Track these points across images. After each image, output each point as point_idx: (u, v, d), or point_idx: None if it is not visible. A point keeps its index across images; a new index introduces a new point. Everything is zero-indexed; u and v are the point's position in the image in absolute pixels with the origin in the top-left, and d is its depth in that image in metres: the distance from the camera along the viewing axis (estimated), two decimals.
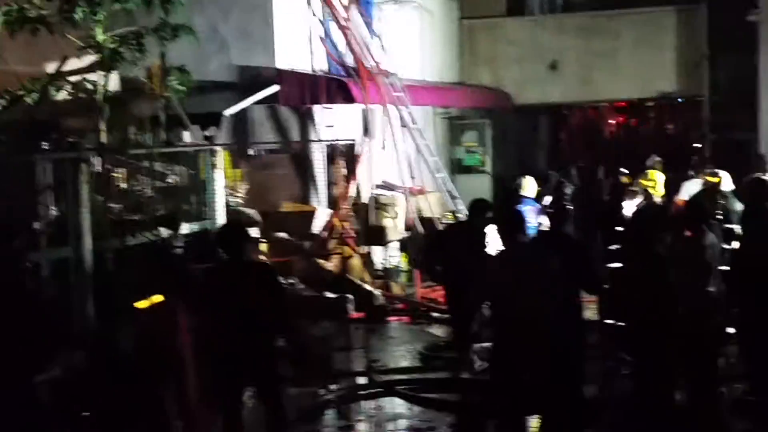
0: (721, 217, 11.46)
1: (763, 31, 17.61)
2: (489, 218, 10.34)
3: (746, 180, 11.39)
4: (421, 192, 17.01)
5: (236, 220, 10.93)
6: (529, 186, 13.28)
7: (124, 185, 12.11)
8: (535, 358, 7.57)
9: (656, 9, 20.86)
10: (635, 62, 20.84)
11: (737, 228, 10.78)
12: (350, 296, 13.88)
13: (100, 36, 12.77)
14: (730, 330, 9.07)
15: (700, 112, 20.41)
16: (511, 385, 7.90)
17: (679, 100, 22.05)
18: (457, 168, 20.36)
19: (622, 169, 15.63)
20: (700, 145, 20.03)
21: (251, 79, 15.05)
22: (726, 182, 13.29)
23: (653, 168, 14.73)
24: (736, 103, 19.00)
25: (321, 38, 16.41)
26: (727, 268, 9.08)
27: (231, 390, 8.16)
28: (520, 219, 8.18)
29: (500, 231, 8.21)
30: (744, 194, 11.12)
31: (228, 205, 13.66)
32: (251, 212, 13.66)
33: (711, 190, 12.69)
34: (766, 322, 8.35)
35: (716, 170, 14.24)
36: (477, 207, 10.79)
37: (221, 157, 13.48)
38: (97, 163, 11.16)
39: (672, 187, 13.62)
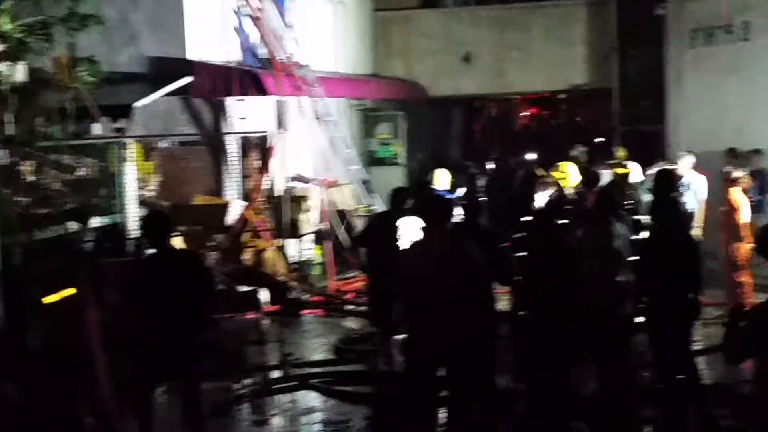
0: (631, 208, 11.68)
1: (670, 25, 17.92)
2: (409, 208, 10.42)
3: (654, 171, 11.65)
4: (335, 184, 17.04)
5: (158, 210, 10.73)
6: (440, 178, 13.37)
7: (31, 178, 11.92)
8: (447, 349, 7.62)
9: (567, 2, 21.15)
10: (547, 55, 21.10)
11: (646, 218, 11.00)
12: (264, 289, 13.84)
13: (6, 25, 12.54)
14: (640, 319, 9.23)
15: (610, 104, 20.69)
16: (424, 377, 7.95)
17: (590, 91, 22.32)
18: (372, 160, 20.39)
19: (532, 160, 15.81)
20: (604, 138, 20.33)
21: (162, 71, 14.87)
22: (635, 173, 13.55)
23: (578, 158, 14.96)
24: (644, 95, 19.34)
25: (234, 29, 16.31)
26: (636, 258, 9.26)
27: (146, 383, 8.09)
28: (444, 207, 8.18)
29: (423, 219, 8.21)
30: (652, 185, 11.37)
31: (140, 199, 13.54)
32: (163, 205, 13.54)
33: (620, 182, 12.92)
34: (673, 312, 8.50)
35: (625, 161, 14.53)
36: (397, 196, 10.85)
37: (132, 150, 13.35)
38: (3, 155, 11.00)
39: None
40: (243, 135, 16.14)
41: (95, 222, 11.29)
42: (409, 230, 10.04)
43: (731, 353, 6.29)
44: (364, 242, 11.19)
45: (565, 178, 13.20)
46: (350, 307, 14.58)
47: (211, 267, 14.00)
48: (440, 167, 14.32)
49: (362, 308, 14.32)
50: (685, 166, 14.67)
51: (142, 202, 13.69)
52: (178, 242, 14.41)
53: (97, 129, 13.49)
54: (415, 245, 8.46)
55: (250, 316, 13.49)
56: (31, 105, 12.72)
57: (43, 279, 9.53)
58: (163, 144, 15.69)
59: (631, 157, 14.95)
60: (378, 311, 10.82)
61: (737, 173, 13.88)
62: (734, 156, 15.37)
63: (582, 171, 13.14)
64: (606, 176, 13.52)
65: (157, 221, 8.56)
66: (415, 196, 10.85)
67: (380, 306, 10.49)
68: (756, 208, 14.11)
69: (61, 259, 9.92)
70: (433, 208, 8.16)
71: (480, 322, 7.74)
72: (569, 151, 15.97)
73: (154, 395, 8.21)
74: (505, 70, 21.40)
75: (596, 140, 18.71)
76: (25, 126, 12.59)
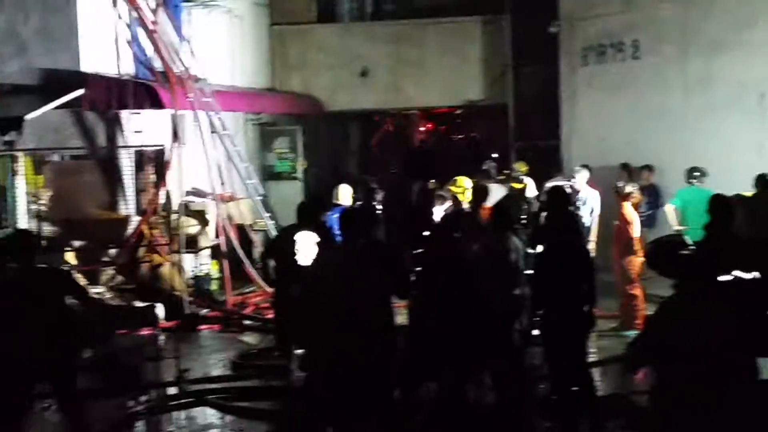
0: (526, 222, 11.85)
1: (563, 43, 18.25)
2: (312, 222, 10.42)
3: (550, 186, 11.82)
4: (232, 199, 16.93)
5: (23, 229, 10.45)
6: (342, 194, 13.37)
7: None
8: (347, 363, 7.61)
9: (463, 19, 21.29)
10: (443, 70, 21.27)
11: (540, 232, 11.15)
12: (160, 304, 13.68)
13: None
14: (535, 332, 9.35)
15: (506, 120, 20.91)
16: (323, 391, 7.94)
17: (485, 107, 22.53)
18: (269, 175, 20.33)
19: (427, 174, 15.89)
20: (500, 154, 20.53)
21: (54, 83, 14.63)
22: (530, 189, 13.77)
23: (490, 172, 15.06)
24: (539, 111, 19.60)
25: (128, 41, 16.12)
26: (532, 271, 9.38)
27: (16, 401, 7.94)
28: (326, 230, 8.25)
29: (343, 231, 8.21)
30: (546, 200, 11.53)
31: (31, 213, 13.29)
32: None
33: (516, 196, 13.09)
34: (568, 324, 8.62)
35: (521, 177, 14.75)
36: (302, 211, 10.79)
37: (22, 163, 13.10)
38: None
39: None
40: (138, 148, 15.94)
41: None
42: (306, 245, 10.05)
43: (629, 362, 6.46)
44: (270, 256, 11.11)
45: (462, 193, 13.31)
46: (248, 322, 14.48)
47: (94, 286, 13.85)
48: (338, 181, 14.34)
49: (260, 323, 14.36)
50: (580, 180, 14.96)
51: (35, 216, 13.45)
52: (71, 257, 14.22)
53: None
54: (319, 259, 8.48)
55: (146, 331, 13.30)
56: None
57: None
58: (55, 157, 15.42)
59: (527, 172, 15.18)
60: (282, 325, 10.78)
61: (629, 188, 14.21)
62: (627, 171, 15.74)
63: (473, 186, 13.23)
64: (499, 191, 13.68)
65: (19, 239, 8.46)
66: (318, 211, 10.85)
67: (284, 320, 10.47)
68: (647, 222, 14.45)
69: None
70: (354, 220, 8.16)
71: (379, 335, 7.76)
72: (482, 166, 16.07)
73: (26, 412, 8.07)
74: (401, 85, 21.52)
75: (493, 155, 18.86)
76: None
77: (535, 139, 19.33)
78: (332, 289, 7.67)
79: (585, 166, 15.31)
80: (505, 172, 15.50)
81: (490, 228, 9.88)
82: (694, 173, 13.62)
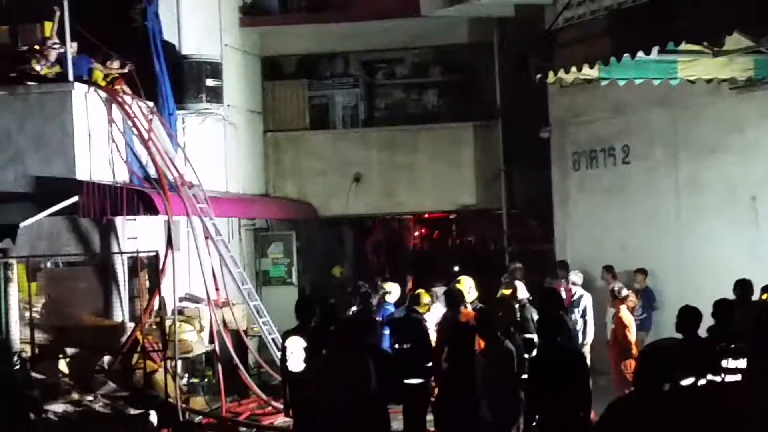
0: (520, 326, 11.81)
1: (554, 148, 18.43)
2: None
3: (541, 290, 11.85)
4: (226, 304, 16.89)
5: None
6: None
7: None
8: None
9: (454, 125, 21.45)
10: (436, 175, 21.37)
11: (535, 337, 11.14)
12: (153, 412, 13.55)
13: None
14: None
15: (499, 224, 20.98)
16: None
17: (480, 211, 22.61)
18: (264, 280, 20.33)
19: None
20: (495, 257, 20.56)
21: (49, 190, 14.71)
22: (521, 291, 13.74)
23: (515, 273, 15.05)
24: (532, 215, 19.70)
25: (123, 149, 16.25)
26: (527, 375, 9.35)
27: None
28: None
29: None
30: (539, 303, 11.55)
31: (25, 320, 13.26)
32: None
33: (507, 299, 13.05)
34: (564, 429, 8.56)
35: (513, 278, 14.75)
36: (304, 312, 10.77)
37: (16, 270, 13.11)
38: None
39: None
40: (132, 254, 15.97)
41: None
42: (296, 352, 10.01)
43: None
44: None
45: (466, 292, 13.21)
46: (244, 429, 14.33)
47: (87, 394, 13.76)
48: (332, 289, 14.44)
49: (255, 430, 14.20)
50: (575, 282, 15.03)
51: (27, 323, 13.41)
52: (63, 365, 14.13)
53: None
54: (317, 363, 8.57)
55: None
56: None
57: None
58: (49, 264, 15.44)
59: (520, 276, 15.18)
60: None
61: (625, 291, 14.27)
62: (611, 273, 15.77)
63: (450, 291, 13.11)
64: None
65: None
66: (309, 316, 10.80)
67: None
68: (642, 325, 14.45)
69: None
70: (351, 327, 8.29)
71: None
72: (509, 269, 16.11)
73: None
74: (395, 190, 21.61)
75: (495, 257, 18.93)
76: None
77: (529, 243, 19.37)
78: (329, 392, 7.74)
79: (579, 270, 15.43)
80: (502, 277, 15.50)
81: (478, 332, 9.84)
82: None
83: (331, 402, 8.17)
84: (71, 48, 15.42)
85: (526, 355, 10.30)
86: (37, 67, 15.32)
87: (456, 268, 17.94)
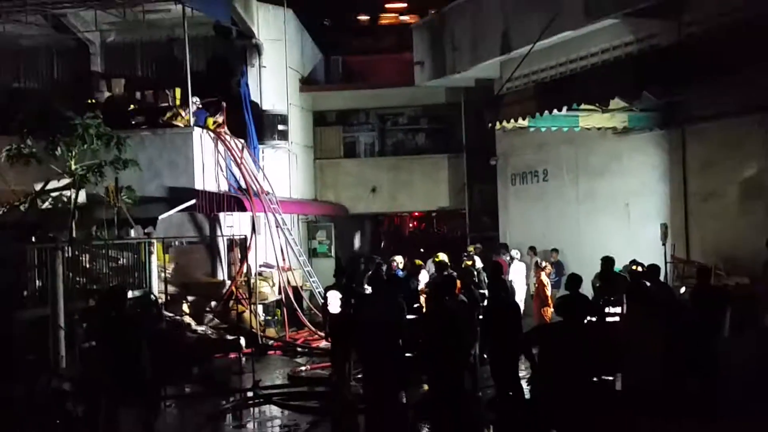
0: (477, 285, 11.81)
1: (499, 171, 18.34)
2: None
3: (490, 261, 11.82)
4: (289, 269, 16.96)
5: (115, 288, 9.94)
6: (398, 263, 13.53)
7: (88, 265, 11.72)
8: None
9: (435, 156, 21.25)
10: (423, 187, 21.29)
11: (486, 291, 11.16)
12: (242, 337, 13.62)
13: (73, 166, 12.44)
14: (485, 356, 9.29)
15: (464, 220, 20.96)
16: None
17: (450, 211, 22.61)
18: (313, 254, 20.35)
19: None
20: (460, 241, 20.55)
21: (177, 196, 14.84)
22: (477, 263, 13.72)
23: (476, 251, 15.13)
24: (485, 214, 19.66)
25: (224, 170, 16.35)
26: (481, 317, 9.35)
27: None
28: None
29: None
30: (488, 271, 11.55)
31: (161, 278, 13.33)
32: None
33: (468, 268, 13.02)
34: (505, 352, 8.55)
35: (473, 255, 14.74)
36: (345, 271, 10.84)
37: (156, 247, 13.21)
38: (69, 250, 10.79)
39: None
40: (229, 237, 16.06)
41: (131, 294, 11.01)
42: (334, 300, 10.04)
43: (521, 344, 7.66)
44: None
45: (443, 262, 13.10)
46: (299, 349, 14.39)
47: (201, 326, 13.80)
48: (356, 259, 14.44)
49: (306, 350, 14.22)
50: (512, 257, 15.03)
51: (163, 280, 13.49)
52: (185, 307, 14.21)
53: (132, 233, 13.37)
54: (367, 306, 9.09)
55: (233, 355, 13.23)
56: (88, 218, 12.57)
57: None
58: (176, 243, 15.53)
59: (477, 252, 15.18)
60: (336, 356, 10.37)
61: (544, 263, 14.29)
62: (534, 251, 15.79)
63: (434, 261, 13.08)
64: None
65: (113, 295, 8.29)
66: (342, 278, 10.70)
67: (338, 353, 10.17)
68: (554, 285, 14.44)
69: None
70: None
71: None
72: (468, 246, 16.22)
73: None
74: (397, 196, 21.51)
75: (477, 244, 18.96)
76: (84, 231, 12.39)
77: (484, 232, 19.35)
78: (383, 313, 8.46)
79: (515, 249, 15.44)
80: (464, 253, 15.47)
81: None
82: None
83: (383, 318, 8.47)
84: (193, 105, 15.52)
85: (480, 304, 10.31)
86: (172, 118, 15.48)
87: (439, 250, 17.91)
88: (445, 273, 11.18)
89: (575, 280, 8.46)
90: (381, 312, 8.66)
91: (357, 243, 22.86)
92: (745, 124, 11.96)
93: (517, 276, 14.56)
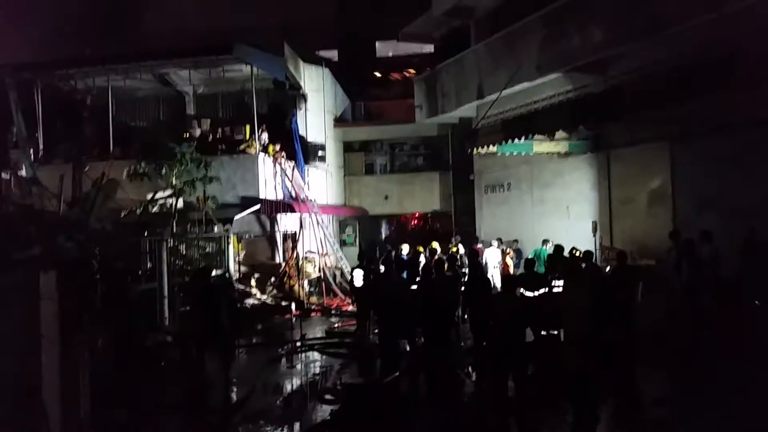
0: (459, 266, 11.75)
1: (476, 184, 18.19)
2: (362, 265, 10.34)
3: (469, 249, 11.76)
4: (327, 255, 16.97)
5: (204, 267, 9.88)
6: (404, 250, 13.35)
7: (184, 252, 11.77)
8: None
9: (430, 173, 21.17)
10: (421, 196, 21.29)
11: (466, 270, 11.09)
12: (293, 303, 13.65)
13: (173, 182, 12.51)
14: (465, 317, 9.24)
15: (451, 219, 20.84)
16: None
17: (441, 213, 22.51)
18: (343, 243, 20.34)
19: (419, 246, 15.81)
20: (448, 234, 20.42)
21: (247, 202, 14.88)
22: (460, 249, 13.67)
23: (456, 241, 15.09)
24: (466, 214, 19.56)
25: (279, 184, 16.39)
26: (462, 289, 9.31)
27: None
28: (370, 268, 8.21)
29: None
30: (468, 256, 11.48)
31: (239, 261, 13.36)
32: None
33: (453, 254, 13.00)
34: (478, 314, 8.44)
35: (457, 243, 14.70)
36: (367, 259, 10.78)
37: (232, 239, 13.26)
38: (171, 242, 10.84)
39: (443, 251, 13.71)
40: (284, 232, 16.08)
41: (215, 272, 11.06)
42: (358, 276, 10.05)
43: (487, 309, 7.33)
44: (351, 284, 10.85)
45: (436, 250, 13.13)
46: (333, 312, 14.39)
47: (264, 294, 13.78)
48: (373, 247, 14.43)
49: (338, 313, 14.09)
50: (485, 245, 14.93)
51: (237, 263, 13.50)
52: (253, 282, 14.25)
53: (216, 229, 13.42)
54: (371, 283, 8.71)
55: (287, 316, 13.25)
56: (184, 219, 12.63)
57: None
58: (247, 236, 15.58)
59: (461, 242, 15.10)
60: (362, 317, 10.45)
61: (508, 250, 14.18)
62: (499, 240, 15.67)
63: (429, 248, 13.07)
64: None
65: (201, 273, 8.27)
66: (364, 260, 10.71)
67: (363, 315, 10.22)
68: (516, 266, 14.35)
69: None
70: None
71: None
72: (452, 238, 16.11)
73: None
74: (403, 202, 21.49)
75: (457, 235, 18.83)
76: (181, 228, 12.46)
77: (465, 227, 19.28)
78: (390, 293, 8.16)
79: (487, 240, 15.33)
80: (450, 243, 15.43)
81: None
82: (544, 242, 13.41)
83: (392, 290, 8.39)
84: (259, 138, 15.55)
85: (462, 279, 10.26)
86: (245, 147, 15.52)
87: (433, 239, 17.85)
88: (436, 257, 11.15)
89: (530, 263, 8.41)
90: (391, 285, 8.65)
91: (374, 235, 22.86)
92: (654, 150, 11.86)
93: (493, 259, 14.49)
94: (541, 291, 8.68)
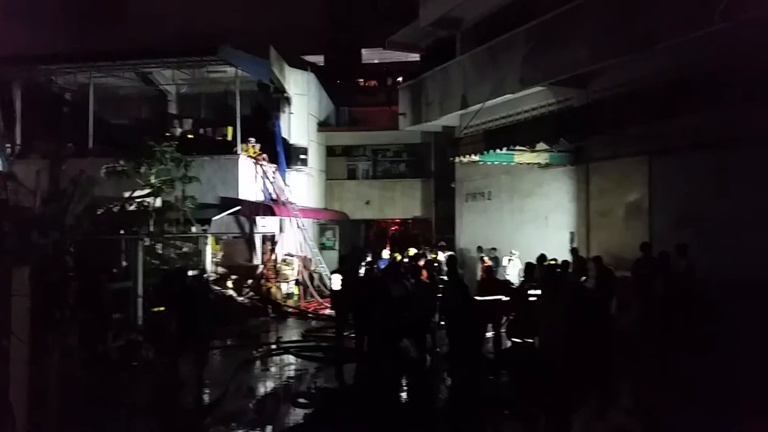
0: (439, 273, 11.77)
1: (457, 191, 18.24)
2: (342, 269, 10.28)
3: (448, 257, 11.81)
4: (305, 257, 16.90)
5: (179, 268, 9.95)
6: (384, 256, 13.40)
7: (160, 252, 11.62)
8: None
9: (412, 180, 21.34)
10: (403, 201, 21.38)
11: (445, 277, 11.10)
12: (270, 306, 13.55)
13: (152, 180, 12.36)
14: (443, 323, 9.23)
15: (431, 225, 20.80)
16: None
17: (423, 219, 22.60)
18: (322, 247, 20.28)
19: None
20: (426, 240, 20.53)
21: (226, 203, 14.74)
22: (441, 256, 13.70)
23: (439, 247, 15.11)
24: (447, 221, 19.66)
25: (260, 185, 16.28)
26: (440, 295, 9.33)
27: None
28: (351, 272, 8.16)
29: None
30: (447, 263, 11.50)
31: (213, 262, 13.23)
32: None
33: (433, 261, 13.01)
34: (456, 320, 8.48)
35: (438, 251, 14.73)
36: (345, 262, 10.60)
37: (210, 239, 13.13)
38: (147, 241, 10.71)
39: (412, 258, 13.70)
40: (262, 234, 15.97)
41: (190, 272, 10.91)
42: (336, 280, 10.01)
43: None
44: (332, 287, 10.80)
45: (411, 255, 13.12)
46: (311, 315, 14.32)
47: (242, 296, 13.66)
48: (354, 252, 14.40)
49: (315, 316, 14.01)
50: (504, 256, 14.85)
51: (214, 263, 13.40)
52: (229, 284, 14.13)
53: (193, 229, 13.27)
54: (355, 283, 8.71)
55: (263, 318, 13.15)
56: (162, 218, 12.46)
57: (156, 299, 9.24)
58: (225, 237, 15.44)
59: (441, 249, 15.14)
60: (338, 320, 10.33)
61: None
62: (479, 249, 15.78)
63: (409, 255, 13.13)
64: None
65: (175, 276, 8.22)
66: (342, 263, 10.66)
67: (340, 319, 10.15)
68: (495, 273, 14.37)
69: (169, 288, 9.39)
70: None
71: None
72: (435, 243, 16.15)
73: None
74: (384, 208, 21.57)
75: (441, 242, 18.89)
76: (158, 227, 12.29)
77: (445, 234, 19.35)
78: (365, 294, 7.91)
79: (472, 249, 15.36)
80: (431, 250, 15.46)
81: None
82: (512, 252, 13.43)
83: (370, 294, 8.37)
84: (242, 140, 15.43)
85: (440, 286, 10.28)
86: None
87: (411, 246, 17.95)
88: (413, 263, 11.16)
89: (532, 267, 8.43)
90: (368, 290, 8.65)
91: (355, 240, 22.84)
92: (631, 163, 12.05)
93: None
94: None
